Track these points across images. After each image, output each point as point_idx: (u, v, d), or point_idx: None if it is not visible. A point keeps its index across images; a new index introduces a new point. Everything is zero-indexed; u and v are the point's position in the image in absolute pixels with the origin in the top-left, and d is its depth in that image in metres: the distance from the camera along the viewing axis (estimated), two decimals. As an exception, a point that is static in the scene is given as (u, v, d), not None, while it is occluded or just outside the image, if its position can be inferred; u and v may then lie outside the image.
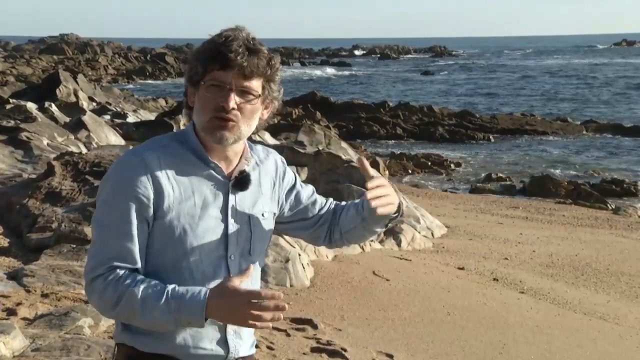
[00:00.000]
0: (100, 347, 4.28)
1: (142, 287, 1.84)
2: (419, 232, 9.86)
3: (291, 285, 6.48)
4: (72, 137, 13.18)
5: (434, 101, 36.12)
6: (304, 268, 6.74)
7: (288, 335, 5.28)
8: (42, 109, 15.86)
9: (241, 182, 2.03)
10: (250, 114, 1.97)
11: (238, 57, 1.89)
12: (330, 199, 2.29)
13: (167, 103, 28.98)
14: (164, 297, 1.83)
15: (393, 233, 9.45)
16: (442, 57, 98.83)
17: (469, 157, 22.26)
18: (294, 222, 2.23)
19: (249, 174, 2.04)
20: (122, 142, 14.18)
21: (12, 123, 12.84)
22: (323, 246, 2.36)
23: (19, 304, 5.05)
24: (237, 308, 1.80)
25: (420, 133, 25.97)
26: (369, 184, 1.96)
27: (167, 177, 1.93)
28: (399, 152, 21.75)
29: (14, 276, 5.76)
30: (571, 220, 12.68)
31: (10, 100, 16.96)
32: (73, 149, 11.27)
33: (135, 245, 1.90)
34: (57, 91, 20.16)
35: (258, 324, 1.81)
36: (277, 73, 2.00)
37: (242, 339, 2.06)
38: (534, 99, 41.13)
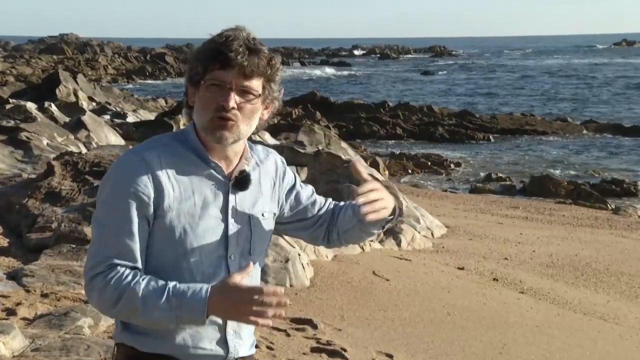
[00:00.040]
0: (99, 347, 4.28)
1: (143, 284, 1.83)
2: (419, 232, 9.86)
3: (291, 285, 6.48)
4: (71, 137, 13.18)
5: (434, 101, 36.12)
6: (303, 268, 6.74)
7: (288, 335, 5.28)
8: (41, 108, 15.86)
9: (241, 182, 2.03)
10: (250, 114, 1.96)
11: (238, 57, 1.89)
12: (330, 199, 2.29)
13: (166, 103, 28.98)
14: (165, 294, 1.82)
15: (393, 233, 9.45)
16: (442, 57, 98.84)
17: (468, 157, 22.26)
18: (294, 223, 2.23)
19: (249, 173, 2.04)
20: (122, 142, 14.18)
21: (11, 123, 12.84)
22: (322, 246, 2.36)
23: (18, 304, 5.04)
24: (239, 305, 1.79)
25: (420, 133, 25.96)
26: (360, 189, 1.96)
27: (167, 177, 1.93)
28: (398, 152, 21.75)
29: (14, 276, 5.76)
30: (571, 220, 12.68)
31: (10, 100, 16.97)
32: (73, 148, 11.26)
33: (135, 243, 1.89)
34: (57, 91, 20.16)
35: (260, 320, 1.79)
36: (277, 73, 1.99)
37: (242, 339, 2.06)
38: (534, 99, 41.13)
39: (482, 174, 19.18)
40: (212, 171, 1.99)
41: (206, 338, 1.99)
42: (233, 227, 2.00)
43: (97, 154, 8.86)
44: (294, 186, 2.21)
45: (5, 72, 40.45)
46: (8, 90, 24.68)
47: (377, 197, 1.98)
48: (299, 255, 6.82)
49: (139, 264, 1.90)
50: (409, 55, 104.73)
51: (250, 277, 1.95)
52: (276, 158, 2.20)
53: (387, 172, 16.21)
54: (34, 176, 8.69)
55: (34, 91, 21.33)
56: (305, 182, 2.33)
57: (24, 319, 4.80)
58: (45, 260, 6.15)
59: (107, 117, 18.96)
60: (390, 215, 2.09)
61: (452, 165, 20.24)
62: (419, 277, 7.47)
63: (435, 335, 5.84)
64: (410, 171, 19.33)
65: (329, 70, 67.62)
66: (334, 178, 10.67)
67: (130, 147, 2.13)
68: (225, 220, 1.99)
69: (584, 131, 27.60)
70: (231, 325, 2.02)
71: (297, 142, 12.84)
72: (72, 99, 20.11)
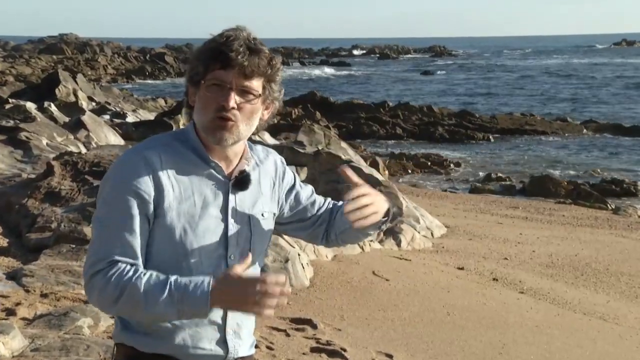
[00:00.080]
0: (99, 347, 4.28)
1: (144, 279, 1.82)
2: (419, 232, 9.85)
3: (291, 285, 6.47)
4: (71, 137, 13.18)
5: (433, 101, 36.13)
6: (303, 268, 6.74)
7: (288, 335, 5.28)
8: (41, 108, 15.86)
9: (241, 182, 2.02)
10: (250, 114, 1.96)
11: (239, 57, 1.89)
12: (329, 199, 2.29)
13: (166, 103, 28.98)
14: (167, 288, 1.81)
15: (393, 233, 9.45)
16: (441, 57, 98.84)
17: (468, 157, 22.26)
18: (293, 223, 2.23)
19: (249, 174, 2.04)
20: (121, 142, 14.18)
21: (11, 123, 12.84)
22: (322, 245, 2.36)
23: (18, 304, 5.04)
24: (242, 295, 1.79)
25: (419, 133, 25.97)
26: (348, 195, 1.96)
27: (167, 176, 1.93)
28: (398, 152, 21.76)
29: (13, 276, 5.75)
30: (571, 220, 12.68)
31: (10, 100, 16.96)
32: (72, 148, 11.26)
33: (136, 240, 1.89)
34: (57, 91, 20.15)
35: (263, 311, 1.79)
36: (278, 73, 1.99)
37: (242, 339, 2.06)
38: (534, 99, 41.14)
39: (482, 174, 19.19)
40: (212, 171, 1.99)
41: (206, 338, 1.99)
42: (233, 227, 2.00)
43: (96, 154, 8.86)
44: (293, 186, 2.21)
45: (5, 72, 40.45)
46: (8, 90, 24.68)
47: (366, 203, 1.98)
48: (299, 255, 6.82)
49: (140, 261, 1.89)
50: (409, 55, 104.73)
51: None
52: (276, 158, 2.19)
53: (387, 172, 16.20)
54: (33, 176, 8.69)
55: (34, 91, 21.33)
56: (305, 182, 2.32)
57: (23, 319, 4.80)
58: (45, 260, 6.15)
59: (107, 117, 18.96)
60: (384, 217, 2.09)
61: (451, 165, 20.25)
62: (419, 277, 7.47)
63: (435, 335, 5.84)
64: (410, 171, 19.34)
65: (329, 70, 67.62)
66: (333, 178, 10.67)
67: (130, 147, 2.13)
68: (225, 220, 1.99)
69: (584, 131, 27.61)
70: (231, 325, 2.02)
71: (296, 142, 12.84)
72: (72, 98, 20.10)
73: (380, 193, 2.10)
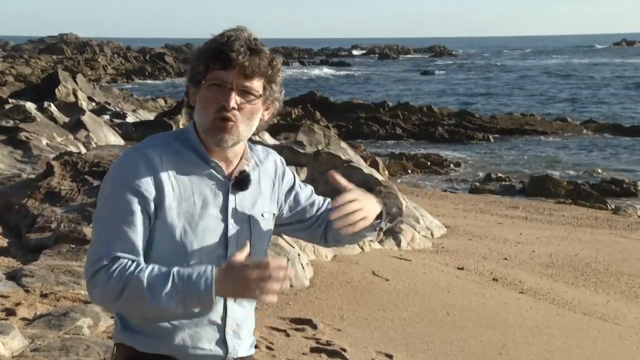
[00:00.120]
0: (99, 347, 4.27)
1: (147, 272, 1.81)
2: (419, 232, 9.86)
3: (290, 286, 6.48)
4: (71, 137, 13.18)
5: (433, 101, 36.14)
6: (303, 268, 6.74)
7: (287, 335, 5.28)
8: (41, 108, 15.87)
9: (241, 182, 2.02)
10: (250, 114, 1.96)
11: (240, 57, 1.89)
12: (328, 199, 2.28)
13: (166, 103, 28.99)
14: (170, 279, 1.80)
15: (392, 233, 9.45)
16: (441, 57, 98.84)
17: (468, 157, 22.27)
18: (292, 224, 2.23)
19: (249, 174, 2.04)
20: (121, 142, 14.18)
21: (11, 123, 12.84)
22: (321, 245, 2.35)
23: (18, 304, 5.04)
24: (246, 281, 1.78)
25: (419, 133, 25.97)
26: (334, 202, 1.95)
27: (168, 176, 1.93)
28: (398, 152, 21.76)
29: (13, 276, 5.75)
30: (571, 220, 12.68)
31: (10, 100, 16.96)
32: (72, 149, 11.27)
33: (138, 236, 1.88)
34: (56, 91, 20.16)
35: (267, 296, 1.78)
36: (278, 74, 1.99)
37: (241, 339, 2.05)
38: (533, 99, 41.15)
39: (482, 174, 19.19)
40: (212, 171, 1.99)
41: (205, 338, 1.99)
42: (233, 227, 2.00)
43: (96, 154, 8.86)
44: (293, 186, 2.21)
45: (5, 72, 40.46)
46: (7, 90, 24.69)
47: (354, 209, 1.96)
48: (299, 255, 6.82)
49: (141, 258, 1.88)
50: (409, 55, 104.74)
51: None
52: (276, 158, 2.19)
53: (386, 172, 16.20)
54: (33, 176, 8.69)
55: (34, 91, 21.33)
56: (305, 182, 2.32)
57: (23, 319, 4.80)
58: (45, 260, 6.15)
59: (107, 117, 18.96)
60: (376, 220, 2.08)
61: (451, 165, 20.25)
62: (419, 277, 7.47)
63: (435, 336, 5.84)
64: (409, 171, 19.34)
65: (329, 70, 67.64)
66: (333, 178, 10.66)
67: (130, 147, 2.12)
68: (225, 220, 1.99)
69: (584, 131, 27.62)
70: (230, 325, 2.02)
71: (296, 142, 12.85)
72: (72, 99, 20.11)
73: (373, 196, 2.10)
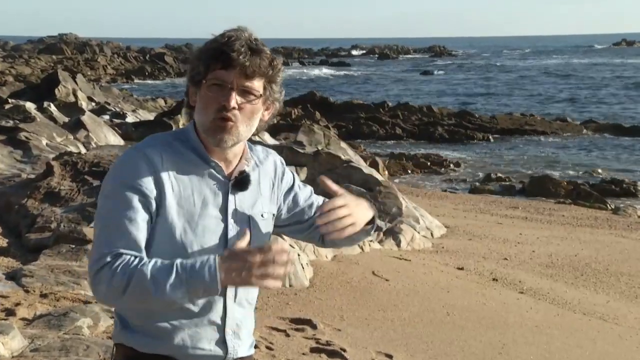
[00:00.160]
0: (99, 347, 4.27)
1: (150, 265, 1.81)
2: (419, 232, 9.86)
3: (290, 286, 6.48)
4: (71, 137, 13.18)
5: (433, 101, 36.14)
6: (303, 268, 6.74)
7: (287, 335, 5.28)
8: (41, 109, 15.86)
9: (241, 182, 2.02)
10: (251, 114, 1.96)
11: (240, 57, 1.89)
12: (327, 200, 2.27)
13: (166, 103, 28.99)
14: (174, 270, 1.79)
15: (392, 233, 9.46)
16: (441, 57, 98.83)
17: (468, 157, 22.27)
18: (291, 225, 2.22)
19: (248, 174, 2.04)
20: (121, 142, 14.18)
21: (11, 123, 12.84)
22: (319, 246, 2.35)
23: (17, 304, 5.04)
24: (249, 267, 1.77)
25: (419, 133, 25.98)
26: (322, 207, 1.94)
27: (168, 175, 1.93)
28: (398, 152, 21.76)
29: (13, 276, 5.75)
30: (571, 220, 12.68)
31: (9, 100, 16.96)
32: (72, 149, 11.27)
33: (140, 233, 1.87)
34: (56, 91, 20.15)
35: (271, 282, 1.77)
36: (279, 74, 1.99)
37: (241, 339, 2.05)
38: (533, 99, 41.16)
39: (482, 174, 19.19)
40: (212, 171, 1.99)
41: (205, 338, 1.98)
42: (232, 227, 2.00)
43: (96, 154, 8.86)
44: (292, 187, 2.20)
45: (5, 72, 40.46)
46: (7, 90, 24.68)
47: (342, 214, 1.95)
48: (299, 255, 6.82)
49: (144, 254, 1.88)
50: (409, 55, 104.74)
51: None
52: (275, 159, 2.19)
53: (386, 172, 16.21)
54: (33, 176, 8.69)
55: (33, 91, 21.33)
56: (305, 182, 2.32)
57: (23, 319, 4.80)
58: (45, 260, 6.14)
59: (107, 117, 18.96)
60: (367, 226, 2.08)
61: (451, 166, 20.26)
62: (419, 278, 7.47)
63: (435, 336, 5.84)
64: (409, 171, 19.34)
65: (328, 70, 67.64)
66: (333, 178, 10.61)
67: (130, 147, 2.12)
68: (224, 220, 1.99)
69: (584, 131, 27.63)
70: (230, 325, 2.02)
71: (296, 142, 12.85)
72: (71, 99, 20.10)
73: (365, 201, 2.09)
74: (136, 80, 51.77)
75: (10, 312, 4.87)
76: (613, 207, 14.72)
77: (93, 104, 21.34)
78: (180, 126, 13.87)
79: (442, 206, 13.25)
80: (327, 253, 7.48)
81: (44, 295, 5.33)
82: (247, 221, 2.03)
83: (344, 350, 5.05)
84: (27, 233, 6.99)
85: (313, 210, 2.21)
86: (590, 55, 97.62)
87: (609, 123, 29.07)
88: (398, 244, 9.22)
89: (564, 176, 18.92)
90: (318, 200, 2.25)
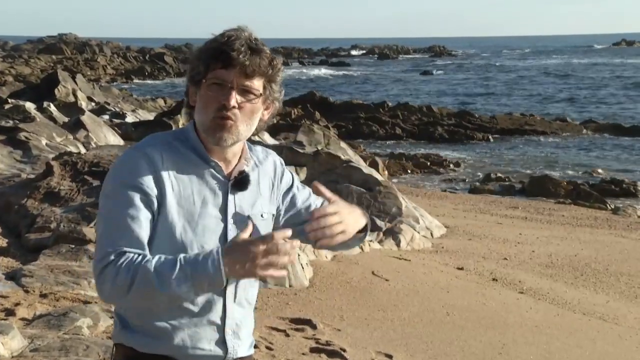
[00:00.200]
0: (98, 347, 4.27)
1: (154, 261, 1.80)
2: (418, 232, 9.86)
3: (290, 286, 6.48)
4: (70, 137, 13.18)
5: (432, 101, 36.15)
6: (303, 268, 6.74)
7: (287, 335, 5.27)
8: (40, 109, 15.86)
9: (241, 182, 2.02)
10: (251, 114, 1.96)
11: (240, 56, 1.89)
12: (325, 203, 2.26)
13: (166, 103, 28.99)
14: (178, 265, 1.79)
15: (392, 233, 9.46)
16: (441, 57, 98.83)
17: (468, 157, 22.27)
18: (287, 227, 2.21)
19: (248, 174, 2.04)
20: (120, 142, 14.18)
21: (10, 123, 12.84)
22: (317, 248, 2.35)
23: (17, 304, 5.04)
24: (253, 257, 1.76)
25: (419, 133, 25.98)
26: (313, 214, 1.92)
27: (168, 174, 1.93)
28: (398, 152, 21.77)
29: (13, 276, 5.75)
30: (570, 220, 12.68)
31: (9, 100, 16.96)
32: (72, 149, 11.27)
33: (142, 231, 1.87)
34: (56, 91, 20.17)
35: (275, 271, 1.77)
36: (278, 74, 1.99)
37: (241, 339, 2.05)
38: (533, 99, 41.16)
39: (482, 174, 19.19)
40: (212, 170, 1.99)
41: (205, 338, 1.98)
42: (232, 227, 2.00)
43: (96, 154, 8.85)
44: (290, 188, 2.19)
45: (4, 72, 40.45)
46: (7, 90, 24.70)
47: (333, 222, 1.94)
48: (298, 255, 6.82)
49: (147, 251, 1.87)
50: (408, 55, 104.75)
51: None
52: (275, 159, 2.19)
53: (386, 172, 16.21)
54: (32, 176, 8.68)
55: (33, 91, 21.34)
56: (305, 182, 2.31)
57: (22, 319, 4.80)
58: (44, 260, 6.14)
59: (106, 117, 18.96)
60: (360, 234, 2.08)
61: (451, 166, 20.26)
62: (418, 277, 7.47)
63: (435, 336, 5.83)
64: (409, 171, 19.35)
65: (328, 70, 67.64)
66: (333, 178, 10.67)
67: (129, 147, 2.12)
68: (224, 220, 1.99)
69: (584, 131, 27.63)
70: (230, 325, 2.02)
71: (296, 142, 12.84)
72: (71, 99, 20.11)
73: (357, 208, 2.08)
74: (136, 80, 51.78)
75: (10, 312, 4.87)
76: (613, 207, 14.72)
77: (93, 104, 21.35)
78: (180, 126, 13.87)
79: (441, 206, 13.25)
80: (327, 253, 7.48)
81: (43, 295, 5.33)
82: (246, 221, 2.02)
83: (344, 350, 5.05)
84: (26, 233, 6.99)
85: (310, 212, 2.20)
86: (590, 55, 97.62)
87: (609, 123, 29.08)
88: (398, 244, 9.22)
89: (564, 176, 18.92)
90: (316, 202, 2.24)
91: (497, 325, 6.29)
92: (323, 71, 66.87)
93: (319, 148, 12.07)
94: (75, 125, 14.22)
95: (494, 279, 8.05)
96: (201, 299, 1.94)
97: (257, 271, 1.77)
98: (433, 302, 6.69)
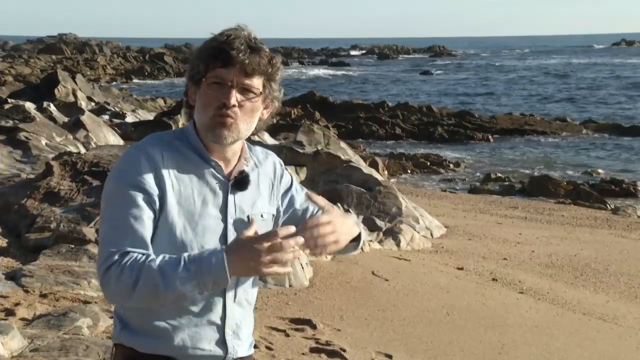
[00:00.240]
0: (98, 347, 4.27)
1: (158, 260, 1.80)
2: (418, 232, 9.86)
3: (290, 286, 6.47)
4: (70, 137, 13.18)
5: (432, 101, 36.14)
6: (302, 268, 6.74)
7: (287, 335, 5.27)
8: (40, 108, 15.85)
9: (241, 182, 2.02)
10: (251, 112, 1.97)
11: (240, 55, 1.90)
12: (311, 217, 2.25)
13: (165, 103, 28.99)
14: (182, 263, 1.79)
15: (392, 233, 9.46)
16: (440, 57, 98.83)
17: (468, 157, 22.27)
18: None
19: (248, 174, 2.04)
20: (120, 142, 14.18)
21: (10, 123, 12.83)
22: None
23: (17, 304, 5.04)
24: (257, 254, 1.76)
25: (419, 133, 25.98)
26: (305, 224, 1.90)
27: (169, 173, 1.93)
28: (398, 152, 21.77)
29: (13, 276, 5.75)
30: (570, 220, 12.68)
31: (9, 100, 16.94)
32: (71, 148, 11.27)
33: (146, 230, 1.87)
34: (56, 91, 20.16)
35: (279, 268, 1.77)
36: (278, 72, 2.00)
37: (241, 339, 2.05)
38: (533, 99, 41.17)
39: (481, 174, 19.19)
40: (213, 170, 1.99)
41: (205, 339, 1.98)
42: (232, 227, 2.00)
43: (95, 154, 8.85)
44: (289, 189, 2.19)
45: (4, 72, 40.43)
46: (7, 90, 24.70)
47: (326, 232, 1.91)
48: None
49: (151, 250, 1.87)
50: (408, 55, 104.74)
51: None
52: (275, 160, 2.18)
53: (386, 172, 16.21)
54: (32, 176, 8.68)
55: (33, 91, 21.32)
56: (305, 182, 2.31)
57: (22, 319, 4.80)
58: (44, 260, 6.14)
59: (106, 117, 18.96)
60: (352, 242, 2.07)
61: (451, 165, 20.26)
62: (418, 278, 7.47)
63: (435, 336, 5.83)
64: (409, 171, 19.35)
65: (328, 70, 67.65)
66: (333, 178, 10.67)
67: (130, 146, 2.12)
68: (224, 220, 1.99)
69: (584, 131, 27.63)
70: (230, 325, 2.02)
71: (296, 142, 12.84)
72: (71, 98, 20.10)
73: (351, 217, 2.08)
74: (135, 80, 51.78)
75: (9, 312, 4.87)
76: (613, 207, 14.72)
77: (92, 103, 21.34)
78: (180, 126, 13.88)
79: (441, 206, 13.25)
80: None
81: (43, 295, 5.33)
82: (247, 221, 2.02)
83: (344, 350, 5.05)
84: (26, 233, 6.98)
85: (307, 216, 2.18)
86: (590, 55, 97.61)
87: (609, 123, 29.09)
88: (398, 244, 9.22)
89: (564, 176, 18.92)
90: (313, 206, 2.24)
91: (497, 326, 6.29)
92: (323, 71, 66.87)
93: (319, 148, 12.06)
94: (75, 125, 14.22)
95: (493, 279, 8.05)
96: (201, 299, 1.94)
97: (262, 268, 1.77)
98: (433, 302, 6.68)
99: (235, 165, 2.03)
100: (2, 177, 9.10)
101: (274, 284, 6.39)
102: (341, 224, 1.96)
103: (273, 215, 2.13)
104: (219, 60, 1.91)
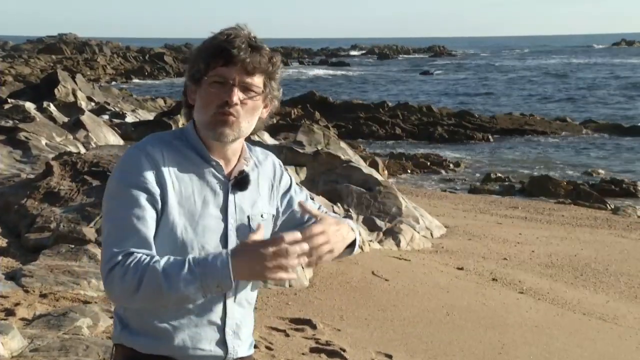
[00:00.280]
0: (98, 347, 4.27)
1: (162, 261, 1.80)
2: (418, 232, 9.85)
3: (290, 286, 6.47)
4: (70, 137, 13.17)
5: (432, 101, 36.15)
6: (302, 268, 6.73)
7: (287, 335, 5.27)
8: (40, 108, 15.85)
9: (241, 182, 2.02)
10: (252, 110, 1.97)
11: (241, 53, 1.90)
12: (323, 207, 2.25)
13: (165, 103, 28.98)
14: (186, 265, 1.79)
15: (392, 233, 9.45)
16: (440, 57, 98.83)
17: (468, 157, 22.27)
18: (282, 229, 2.20)
19: (248, 174, 2.04)
20: (120, 142, 14.17)
21: (10, 123, 12.83)
22: None
23: (17, 304, 5.04)
24: (263, 259, 1.76)
25: (419, 133, 25.98)
26: (303, 233, 1.86)
27: (169, 173, 1.93)
28: (398, 152, 21.76)
29: (13, 276, 5.75)
30: (570, 220, 12.68)
31: (9, 100, 16.93)
32: (71, 148, 11.27)
33: (149, 230, 1.87)
34: (56, 91, 20.15)
35: (284, 274, 1.76)
36: (277, 71, 2.00)
37: (241, 339, 2.05)
38: (533, 99, 41.17)
39: (481, 174, 19.19)
40: (213, 170, 1.99)
41: (205, 339, 1.98)
42: (233, 226, 2.00)
43: (95, 154, 8.84)
44: (288, 190, 2.18)
45: (4, 72, 40.42)
46: (7, 90, 24.69)
47: (320, 242, 1.89)
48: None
49: (155, 251, 1.87)
50: (408, 55, 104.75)
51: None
52: (274, 160, 2.18)
53: (386, 172, 16.21)
54: (32, 176, 8.68)
55: (33, 91, 21.31)
56: (305, 182, 2.31)
57: (22, 319, 4.80)
58: (44, 260, 6.14)
59: (106, 117, 18.95)
60: (347, 248, 2.06)
61: (451, 165, 20.26)
62: (418, 278, 7.47)
63: (435, 336, 5.83)
64: (409, 171, 19.35)
65: (328, 70, 67.65)
66: (332, 178, 10.66)
67: (130, 146, 2.11)
68: (225, 220, 1.99)
69: (584, 131, 27.63)
70: (230, 325, 2.02)
71: (296, 142, 12.84)
72: (71, 98, 20.10)
73: (346, 223, 2.05)
74: (135, 80, 51.79)
75: (9, 312, 4.86)
76: (613, 207, 14.72)
77: (92, 103, 21.33)
78: (180, 126, 13.87)
79: (441, 206, 13.25)
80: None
81: (43, 295, 5.33)
82: (247, 221, 2.02)
83: (344, 350, 5.05)
84: (26, 233, 6.98)
85: (306, 217, 2.16)
86: (590, 55, 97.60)
87: (609, 123, 29.08)
88: (398, 244, 9.22)
89: (564, 176, 18.92)
90: (313, 206, 2.23)
91: (497, 326, 6.29)
92: (323, 71, 66.86)
93: (319, 148, 12.06)
94: (75, 125, 14.22)
95: (493, 279, 8.05)
96: (201, 300, 1.94)
97: (267, 273, 1.77)
98: (433, 302, 6.68)
99: (235, 165, 2.03)
100: (2, 177, 9.10)
101: (274, 284, 6.39)
102: (335, 233, 1.94)
103: (273, 215, 2.13)
104: (220, 58, 1.91)
